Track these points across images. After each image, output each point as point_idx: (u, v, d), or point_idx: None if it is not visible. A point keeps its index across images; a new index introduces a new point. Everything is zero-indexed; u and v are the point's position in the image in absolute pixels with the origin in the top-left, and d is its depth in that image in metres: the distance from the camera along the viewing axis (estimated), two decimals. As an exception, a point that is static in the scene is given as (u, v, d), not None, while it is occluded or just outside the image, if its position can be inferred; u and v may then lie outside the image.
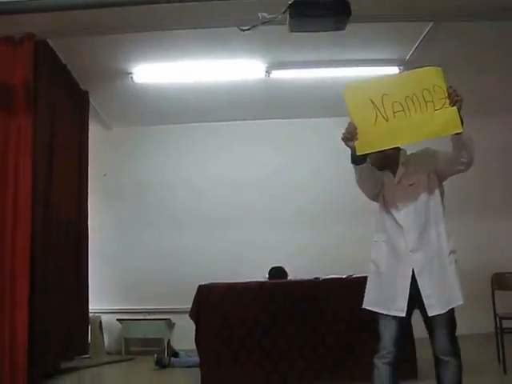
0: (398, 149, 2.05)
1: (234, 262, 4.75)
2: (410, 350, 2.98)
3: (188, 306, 3.36)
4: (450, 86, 1.86)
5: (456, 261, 1.98)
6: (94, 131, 4.67)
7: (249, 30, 2.49)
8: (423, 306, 1.93)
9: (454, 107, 1.83)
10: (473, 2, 3.00)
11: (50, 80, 3.44)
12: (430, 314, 1.91)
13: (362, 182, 2.07)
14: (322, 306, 3.25)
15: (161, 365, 4.04)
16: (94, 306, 4.39)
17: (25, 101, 3.16)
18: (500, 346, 3.24)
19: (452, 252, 1.98)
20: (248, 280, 3.41)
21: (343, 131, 1.94)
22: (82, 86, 4.25)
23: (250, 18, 2.47)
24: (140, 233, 5.09)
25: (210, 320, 3.26)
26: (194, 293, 3.33)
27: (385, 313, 1.99)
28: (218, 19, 3.09)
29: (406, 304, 1.93)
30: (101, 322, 4.74)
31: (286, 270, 3.99)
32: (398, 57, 3.92)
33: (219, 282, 3.40)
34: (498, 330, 3.25)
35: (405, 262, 1.97)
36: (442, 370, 1.97)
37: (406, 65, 3.94)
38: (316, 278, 3.44)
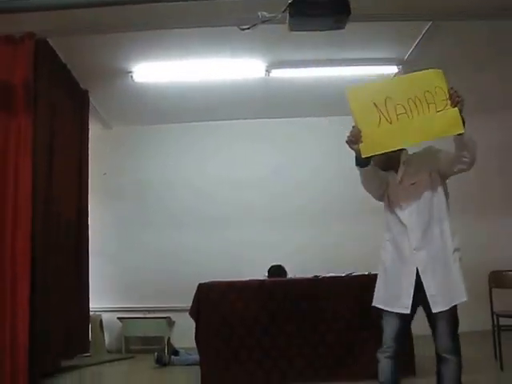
0: (400, 149, 2.08)
1: (234, 260, 4.77)
2: (409, 346, 2.99)
3: (188, 304, 3.37)
4: (451, 88, 1.90)
5: (460, 258, 2.01)
6: (94, 130, 4.68)
7: (249, 29, 2.50)
8: (427, 303, 1.96)
9: (456, 108, 1.88)
10: (471, 2, 3.01)
11: (50, 79, 3.45)
12: (434, 311, 1.94)
13: (366, 183, 2.10)
14: (322, 305, 3.26)
15: (161, 363, 4.05)
16: (94, 304, 4.40)
17: (25, 100, 3.16)
18: (497, 344, 3.26)
19: (456, 250, 2.01)
20: (248, 278, 3.43)
21: (347, 134, 1.97)
22: (81, 85, 4.26)
23: (250, 17, 2.49)
24: (140, 232, 5.10)
25: (209, 318, 3.28)
26: (194, 291, 3.34)
27: (390, 310, 2.04)
28: (218, 18, 3.09)
29: (410, 301, 1.97)
30: (101, 321, 4.75)
31: (286, 268, 4.00)
32: (397, 56, 3.93)
33: (219, 280, 3.41)
34: (495, 328, 3.27)
35: (409, 260, 2.01)
36: (442, 368, 2.01)
37: (405, 64, 3.95)
38: (316, 277, 3.45)
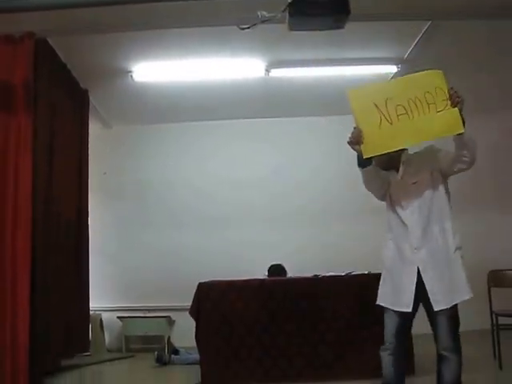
0: (401, 149, 2.10)
1: (234, 260, 4.77)
2: (408, 345, 3.00)
3: (188, 303, 3.38)
4: (451, 88, 1.92)
5: (462, 257, 2.03)
6: (94, 130, 4.68)
7: (248, 28, 2.51)
8: (428, 301, 1.98)
9: (456, 108, 1.90)
10: (470, 1, 3.02)
11: (50, 79, 3.44)
12: (435, 309, 1.96)
13: (368, 183, 2.13)
14: (322, 304, 3.27)
15: (161, 362, 4.05)
16: (94, 303, 4.41)
17: (25, 100, 3.15)
18: (496, 343, 3.27)
19: (458, 248, 2.03)
20: (248, 278, 3.43)
21: (349, 135, 1.99)
22: (81, 85, 4.26)
23: (250, 17, 2.49)
24: (140, 231, 5.10)
25: (209, 317, 3.28)
26: (194, 290, 3.35)
27: (392, 308, 2.06)
28: (217, 18, 3.09)
29: (411, 300, 1.99)
30: (101, 320, 4.76)
31: (286, 267, 4.01)
32: (397, 55, 3.93)
33: (219, 279, 3.42)
34: (494, 327, 3.28)
35: (410, 259, 2.03)
36: (442, 366, 2.02)
37: (404, 63, 3.96)
38: (315, 276, 3.46)
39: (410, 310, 2.00)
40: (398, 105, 1.93)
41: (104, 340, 4.78)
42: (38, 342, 3.06)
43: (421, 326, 2.18)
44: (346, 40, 3.47)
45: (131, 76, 4.11)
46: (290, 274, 3.92)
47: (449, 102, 1.90)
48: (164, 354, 4.11)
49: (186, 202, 5.13)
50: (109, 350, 4.75)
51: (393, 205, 2.14)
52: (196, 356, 3.46)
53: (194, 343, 3.33)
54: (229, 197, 5.12)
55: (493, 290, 3.40)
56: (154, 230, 5.07)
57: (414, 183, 2.08)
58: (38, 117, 3.23)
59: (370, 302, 3.09)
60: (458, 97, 1.90)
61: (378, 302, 2.14)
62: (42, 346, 3.14)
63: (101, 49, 3.71)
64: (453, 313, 1.99)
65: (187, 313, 3.37)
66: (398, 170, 2.15)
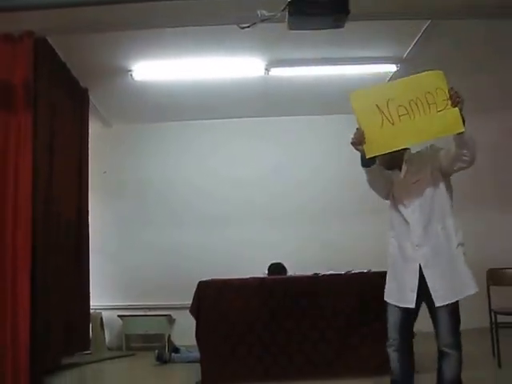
0: (403, 149, 2.14)
1: (234, 258, 4.78)
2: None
3: (188, 302, 3.39)
4: (452, 88, 1.95)
5: (465, 253, 2.06)
6: (94, 129, 4.68)
7: (248, 27, 2.52)
8: (430, 297, 2.01)
9: (456, 108, 1.93)
10: (470, 1, 3.02)
11: (50, 78, 3.44)
12: (436, 305, 1.99)
13: (372, 182, 2.17)
14: (322, 302, 3.28)
15: (161, 360, 4.07)
16: (94, 302, 4.42)
17: (25, 99, 3.15)
18: (495, 341, 3.29)
19: (460, 244, 2.06)
20: (248, 276, 3.44)
21: (351, 136, 2.04)
22: (81, 84, 4.26)
23: (250, 16, 2.50)
24: (140, 230, 5.11)
25: (210, 316, 3.29)
26: (195, 289, 3.36)
27: (397, 304, 2.09)
28: (217, 17, 3.09)
29: (414, 296, 2.03)
30: (102, 319, 4.77)
31: (286, 266, 4.02)
32: (396, 55, 3.93)
33: (219, 278, 3.43)
34: (493, 325, 3.29)
35: (411, 256, 2.06)
36: (443, 363, 2.05)
37: (404, 63, 3.96)
38: (315, 274, 3.47)
39: (413, 306, 2.03)
40: (400, 105, 1.98)
41: (104, 338, 4.79)
42: (39, 341, 3.07)
43: (421, 324, 2.19)
44: (346, 39, 3.47)
45: (131, 75, 4.11)
46: (290, 272, 3.93)
47: (449, 102, 1.93)
48: (164, 353, 4.13)
49: (186, 200, 5.14)
50: (109, 349, 4.77)
51: (395, 203, 2.18)
52: (196, 354, 3.47)
53: (194, 341, 3.34)
54: (229, 195, 5.12)
55: (492, 288, 3.41)
56: (155, 229, 5.08)
57: (416, 182, 2.12)
58: (38, 116, 3.23)
59: (369, 300, 3.13)
60: (458, 97, 1.93)
61: (385, 299, 2.18)
62: (43, 345, 3.15)
63: (100, 48, 3.70)
64: (454, 309, 2.02)
65: (187, 311, 3.38)
66: (400, 169, 2.19)
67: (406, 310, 2.07)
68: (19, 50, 3.19)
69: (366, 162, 2.07)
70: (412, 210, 2.09)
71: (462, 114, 1.92)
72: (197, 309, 3.31)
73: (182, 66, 4.05)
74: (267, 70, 4.11)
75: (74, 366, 3.98)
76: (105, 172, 5.06)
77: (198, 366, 3.29)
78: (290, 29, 2.52)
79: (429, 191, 2.09)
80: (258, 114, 5.14)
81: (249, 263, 4.26)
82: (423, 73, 2.00)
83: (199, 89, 4.44)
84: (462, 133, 1.92)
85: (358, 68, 4.09)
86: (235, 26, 2.59)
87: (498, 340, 3.26)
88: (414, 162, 2.17)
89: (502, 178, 5.00)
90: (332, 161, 5.04)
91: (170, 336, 4.42)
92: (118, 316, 4.85)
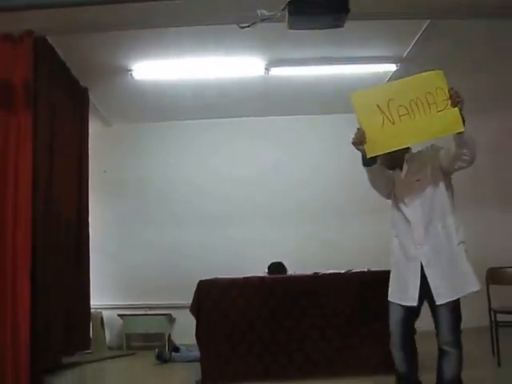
0: (404, 148, 2.15)
1: (235, 257, 4.79)
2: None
3: (188, 301, 3.39)
4: (452, 88, 1.96)
5: (466, 251, 2.08)
6: (94, 128, 4.68)
7: (248, 27, 2.52)
8: (431, 295, 2.02)
9: (456, 108, 1.94)
10: (470, 0, 3.02)
11: (50, 77, 3.44)
12: (437, 303, 2.01)
13: (374, 181, 2.19)
14: (322, 301, 3.28)
15: (162, 359, 4.08)
16: (95, 301, 4.42)
17: (25, 99, 3.15)
18: (494, 340, 3.29)
19: (461, 242, 2.08)
20: (248, 275, 3.45)
21: (352, 136, 2.06)
22: (81, 83, 4.26)
23: (250, 15, 2.50)
24: (141, 229, 5.12)
25: (210, 315, 3.30)
26: (195, 288, 3.36)
27: (398, 303, 2.11)
28: (217, 16, 3.10)
29: (416, 294, 2.05)
30: (102, 318, 4.77)
31: (286, 265, 4.03)
32: (396, 54, 3.94)
33: (219, 277, 3.43)
34: (493, 324, 3.30)
35: (413, 254, 2.08)
36: (443, 362, 2.07)
37: (403, 62, 3.96)
38: (315, 273, 3.48)
39: (415, 304, 2.05)
40: (400, 105, 2.00)
41: (105, 338, 4.80)
42: (39, 340, 3.08)
43: (421, 323, 2.20)
44: (346, 39, 3.48)
45: (131, 74, 4.11)
46: (290, 271, 3.93)
47: (449, 102, 1.95)
48: (164, 352, 4.14)
49: (186, 199, 5.14)
50: (109, 348, 4.77)
51: (397, 202, 2.20)
52: (196, 353, 3.47)
53: (194, 341, 3.34)
54: (229, 195, 5.13)
55: (491, 287, 3.41)
56: (155, 228, 5.08)
57: (417, 181, 2.14)
58: (38, 116, 3.23)
59: (369, 299, 3.14)
60: (458, 97, 1.94)
61: (388, 298, 2.19)
62: (43, 344, 3.16)
63: (100, 47, 3.71)
64: (454, 307, 2.04)
65: (188, 310, 3.38)
66: (401, 169, 2.20)
67: (408, 309, 2.09)
68: (19, 50, 3.19)
69: (367, 162, 2.09)
70: (413, 209, 2.11)
71: (461, 114, 1.94)
72: (197, 308, 3.31)
73: (182, 66, 4.05)
74: (267, 69, 4.11)
75: (74, 365, 3.99)
76: (105, 171, 5.07)
77: (198, 365, 3.30)
78: (290, 28, 2.53)
79: (429, 190, 2.10)
80: (258, 113, 5.15)
81: (249, 262, 4.27)
82: (423, 73, 2.02)
83: (199, 88, 4.44)
84: (461, 132, 1.93)
85: (357, 67, 4.09)
86: (235, 26, 2.59)
87: (497, 339, 3.27)
88: (415, 161, 2.18)
89: (502, 177, 5.01)
90: (332, 160, 5.05)
91: (170, 335, 4.42)
92: (119, 315, 4.86)
